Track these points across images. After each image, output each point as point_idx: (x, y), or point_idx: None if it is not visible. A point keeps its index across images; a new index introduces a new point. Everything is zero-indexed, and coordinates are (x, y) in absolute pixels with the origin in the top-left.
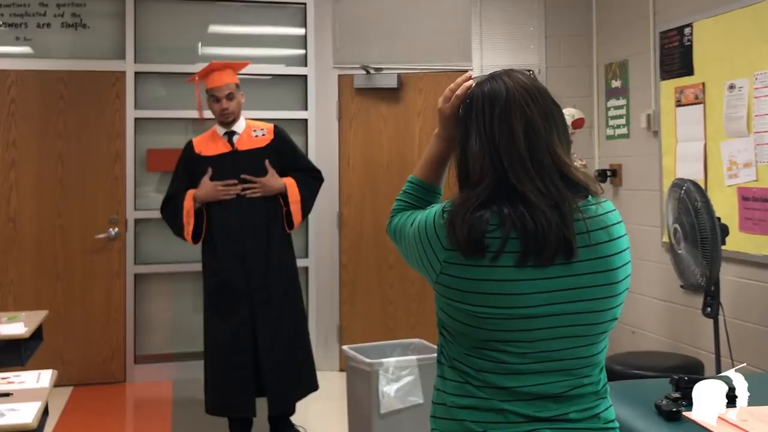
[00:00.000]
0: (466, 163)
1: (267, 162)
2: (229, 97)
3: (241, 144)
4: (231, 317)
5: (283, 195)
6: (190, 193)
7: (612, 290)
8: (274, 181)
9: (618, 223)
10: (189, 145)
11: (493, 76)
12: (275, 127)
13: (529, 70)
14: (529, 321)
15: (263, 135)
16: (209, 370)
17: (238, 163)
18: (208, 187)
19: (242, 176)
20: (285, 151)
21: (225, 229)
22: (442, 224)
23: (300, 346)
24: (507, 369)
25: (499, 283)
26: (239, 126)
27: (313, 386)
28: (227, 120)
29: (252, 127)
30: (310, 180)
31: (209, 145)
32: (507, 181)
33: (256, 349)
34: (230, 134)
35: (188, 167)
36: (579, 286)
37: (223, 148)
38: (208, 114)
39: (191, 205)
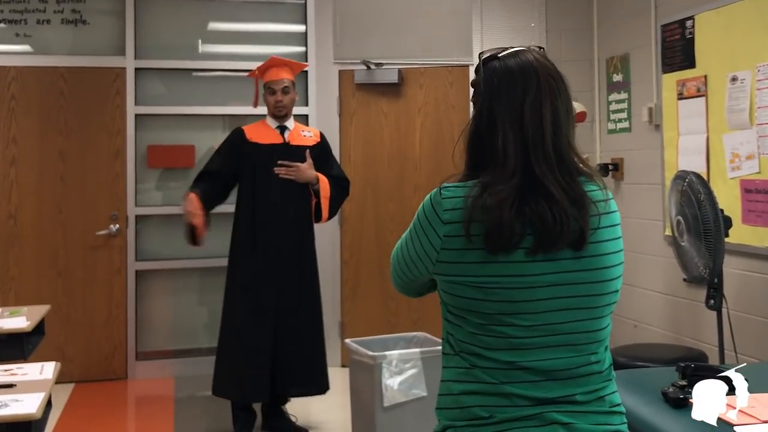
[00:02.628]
0: (489, 139)
1: (307, 152)
2: (285, 90)
3: (292, 139)
4: (257, 303)
5: (315, 190)
6: (194, 196)
7: (608, 274)
8: (309, 169)
9: (615, 211)
10: (239, 131)
11: (516, 52)
12: (321, 133)
13: (540, 47)
14: (533, 291)
15: (311, 136)
16: (226, 353)
17: (287, 155)
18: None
19: (279, 162)
20: (324, 157)
21: (267, 216)
22: (440, 201)
23: (317, 339)
24: (514, 344)
25: (503, 264)
26: (290, 123)
27: (324, 386)
28: (280, 113)
29: (300, 128)
30: (340, 186)
31: (261, 133)
32: (530, 171)
33: (276, 338)
34: (282, 128)
35: (235, 151)
36: (582, 268)
37: (275, 138)
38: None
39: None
